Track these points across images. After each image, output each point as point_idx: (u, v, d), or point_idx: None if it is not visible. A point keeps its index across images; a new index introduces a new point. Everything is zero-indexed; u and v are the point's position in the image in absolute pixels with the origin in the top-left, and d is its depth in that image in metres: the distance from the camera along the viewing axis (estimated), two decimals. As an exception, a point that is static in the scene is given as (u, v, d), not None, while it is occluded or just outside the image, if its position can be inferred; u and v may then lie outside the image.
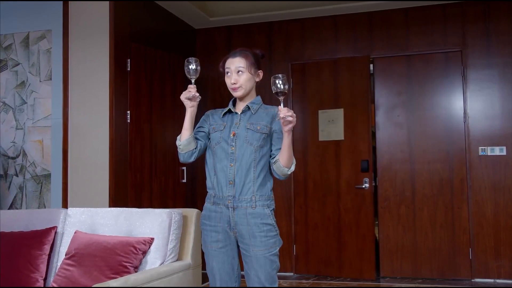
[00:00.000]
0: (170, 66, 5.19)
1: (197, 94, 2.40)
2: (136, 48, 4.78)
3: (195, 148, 2.50)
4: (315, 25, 5.78)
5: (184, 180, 5.30)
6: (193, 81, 2.42)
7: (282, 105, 2.24)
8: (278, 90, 2.23)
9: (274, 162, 2.41)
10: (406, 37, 5.49)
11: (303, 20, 5.82)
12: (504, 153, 5.12)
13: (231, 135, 2.44)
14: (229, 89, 2.50)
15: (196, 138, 2.52)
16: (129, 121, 4.66)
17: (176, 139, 2.52)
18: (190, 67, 2.41)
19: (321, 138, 5.56)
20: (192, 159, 2.52)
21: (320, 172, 5.56)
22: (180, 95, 5.17)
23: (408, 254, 5.36)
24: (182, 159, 2.52)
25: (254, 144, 2.42)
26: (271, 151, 2.47)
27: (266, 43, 5.89)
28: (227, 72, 2.49)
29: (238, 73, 2.46)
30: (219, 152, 2.45)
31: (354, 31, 5.66)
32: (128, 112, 4.66)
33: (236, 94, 2.48)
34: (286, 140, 2.32)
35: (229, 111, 2.55)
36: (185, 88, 2.43)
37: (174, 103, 5.19)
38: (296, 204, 5.69)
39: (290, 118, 2.20)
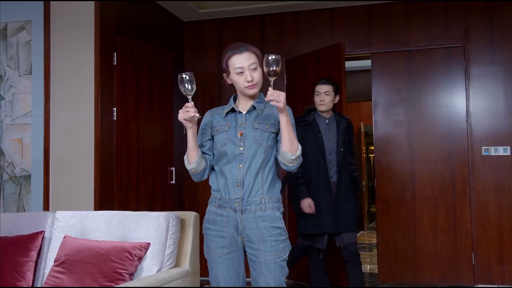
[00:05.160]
0: (158, 60, 5.13)
1: (197, 114, 2.26)
2: (123, 41, 4.71)
3: (206, 164, 2.46)
4: (311, 19, 5.77)
5: (173, 181, 5.25)
6: (190, 98, 2.28)
7: (272, 86, 2.22)
8: (270, 70, 2.21)
9: (278, 152, 2.38)
10: (406, 31, 5.50)
11: (298, 13, 5.80)
12: (508, 153, 5.16)
13: (238, 135, 2.40)
14: (242, 88, 2.40)
15: (204, 153, 2.47)
16: (115, 118, 4.59)
17: (183, 161, 2.46)
18: (186, 85, 2.24)
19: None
20: (205, 177, 2.50)
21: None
22: (168, 91, 5.18)
23: (408, 259, 5.37)
24: (195, 179, 2.50)
25: (264, 144, 2.39)
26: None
27: (258, 37, 5.86)
28: (240, 72, 2.39)
29: (253, 70, 2.39)
30: (227, 153, 2.40)
31: (352, 25, 5.65)
32: (114, 109, 4.59)
33: (252, 91, 2.40)
34: (282, 121, 2.29)
35: (232, 110, 2.49)
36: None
37: (162, 100, 5.14)
38: (290, 207, 5.64)
39: (273, 103, 2.19)
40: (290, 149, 2.33)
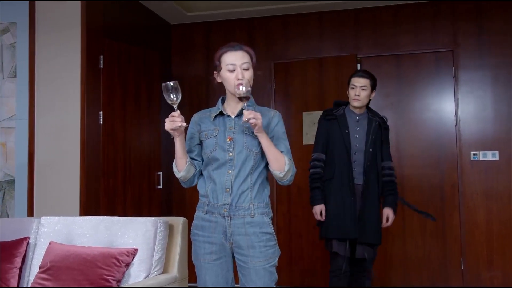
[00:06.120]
0: (145, 64, 5.11)
1: (184, 124, 2.25)
2: (109, 44, 4.69)
3: (196, 171, 2.46)
4: (299, 23, 5.78)
5: (160, 186, 5.22)
6: (175, 107, 2.26)
7: (246, 109, 2.27)
8: (242, 95, 2.25)
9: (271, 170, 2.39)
10: (395, 36, 5.53)
11: (286, 16, 5.81)
12: (497, 158, 5.19)
13: (227, 140, 2.39)
14: (231, 86, 2.38)
15: (192, 159, 2.47)
16: (101, 122, 4.56)
17: (172, 168, 2.46)
18: (171, 95, 2.22)
19: (305, 142, 5.55)
20: (195, 183, 2.51)
21: (305, 177, 5.52)
22: (155, 94, 5.16)
23: (397, 264, 5.38)
24: (185, 186, 2.51)
25: (254, 150, 2.38)
26: None
27: (247, 41, 5.85)
28: (231, 69, 2.39)
29: (245, 69, 2.39)
30: (216, 158, 2.39)
31: (340, 29, 5.68)
32: (101, 112, 4.56)
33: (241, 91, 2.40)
34: (263, 141, 2.31)
35: (220, 113, 2.48)
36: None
37: (149, 103, 5.12)
38: (279, 211, 5.66)
39: (252, 121, 2.21)
40: (278, 167, 2.35)
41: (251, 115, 2.20)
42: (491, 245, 5.17)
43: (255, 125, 2.22)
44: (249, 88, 2.26)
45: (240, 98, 2.26)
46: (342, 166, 3.71)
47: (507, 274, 5.12)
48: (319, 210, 3.74)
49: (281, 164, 2.34)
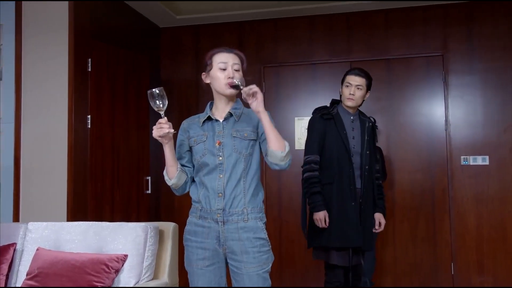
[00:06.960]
0: (134, 67, 5.08)
1: (172, 130, 2.25)
2: (98, 47, 4.65)
3: (187, 177, 2.45)
4: (289, 26, 5.78)
5: (149, 191, 5.18)
6: (162, 114, 2.26)
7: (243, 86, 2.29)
8: (239, 84, 2.29)
9: (266, 154, 2.34)
10: (385, 40, 5.54)
11: (276, 20, 5.80)
12: (487, 162, 5.21)
13: (216, 144, 2.37)
14: (222, 85, 2.38)
15: (183, 165, 2.45)
16: (89, 126, 4.52)
17: (163, 176, 2.44)
18: (157, 101, 2.22)
19: (297, 147, 5.54)
20: (187, 190, 2.48)
21: (297, 183, 5.50)
22: (144, 98, 5.10)
23: (387, 270, 5.38)
24: (177, 193, 2.49)
25: (243, 153, 2.37)
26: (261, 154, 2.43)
27: (236, 44, 5.83)
28: (223, 67, 2.38)
29: (235, 70, 2.39)
30: (206, 164, 2.38)
31: (331, 33, 5.68)
32: (89, 116, 4.52)
33: (230, 90, 2.38)
34: (265, 120, 2.27)
35: (208, 118, 2.46)
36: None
37: (138, 107, 5.08)
38: (269, 217, 5.62)
39: (255, 89, 2.21)
40: (279, 146, 2.29)
41: (252, 85, 2.21)
42: (482, 249, 5.19)
43: (257, 93, 2.20)
44: (243, 78, 2.29)
45: (236, 87, 2.27)
46: (343, 170, 3.49)
47: (497, 279, 5.13)
48: (323, 216, 3.44)
49: (281, 143, 2.30)
